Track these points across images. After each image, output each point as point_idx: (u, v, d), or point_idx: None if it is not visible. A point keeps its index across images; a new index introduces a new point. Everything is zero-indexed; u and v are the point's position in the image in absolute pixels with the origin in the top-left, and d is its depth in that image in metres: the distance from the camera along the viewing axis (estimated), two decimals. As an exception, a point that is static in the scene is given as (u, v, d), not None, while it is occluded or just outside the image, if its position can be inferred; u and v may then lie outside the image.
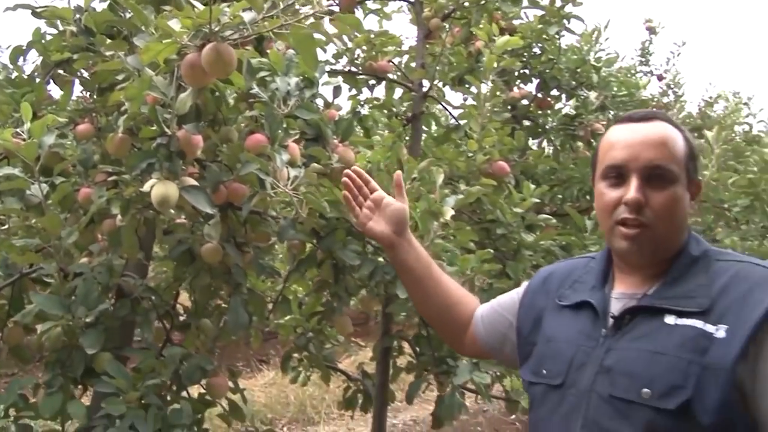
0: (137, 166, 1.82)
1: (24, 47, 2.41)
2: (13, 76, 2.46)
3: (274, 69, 2.07)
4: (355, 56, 3.56)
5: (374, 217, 1.56)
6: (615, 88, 4.53)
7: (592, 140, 4.22)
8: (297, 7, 1.60)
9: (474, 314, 1.58)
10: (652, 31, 6.78)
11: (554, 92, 4.48)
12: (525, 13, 4.20)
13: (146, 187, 1.78)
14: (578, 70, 4.39)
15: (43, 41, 2.37)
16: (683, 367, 1.10)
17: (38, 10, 2.30)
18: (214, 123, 2.14)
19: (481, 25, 3.48)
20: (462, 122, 3.71)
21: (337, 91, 2.61)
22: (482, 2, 3.65)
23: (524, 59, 4.30)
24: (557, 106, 4.55)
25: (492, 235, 3.17)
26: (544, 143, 4.64)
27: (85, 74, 2.42)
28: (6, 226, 2.23)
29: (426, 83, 3.64)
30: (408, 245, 1.57)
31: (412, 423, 6.08)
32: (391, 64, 3.65)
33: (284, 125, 2.05)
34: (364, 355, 5.39)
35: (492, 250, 2.78)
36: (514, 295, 1.53)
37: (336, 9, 2.82)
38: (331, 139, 2.31)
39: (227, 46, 1.62)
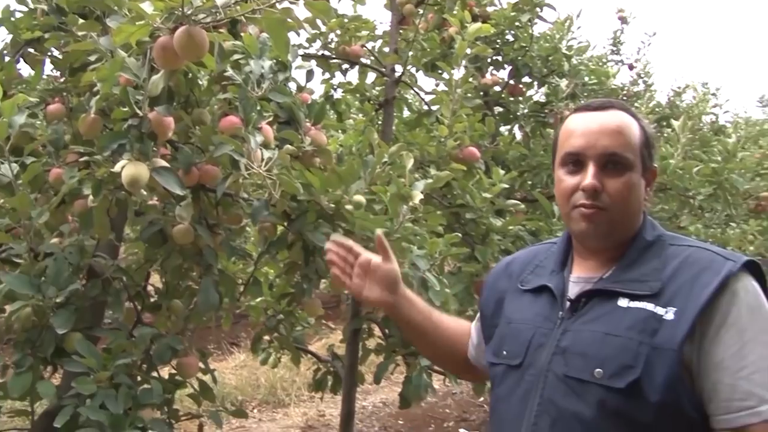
0: (108, 146, 1.82)
1: (-8, 25, 2.39)
2: (-19, 54, 2.43)
3: (248, 52, 2.08)
4: (329, 40, 3.57)
5: (367, 284, 1.52)
6: (586, 77, 4.61)
7: (562, 127, 4.28)
8: (269, -9, 1.61)
9: (469, 344, 1.61)
10: (623, 20, 6.84)
11: (526, 79, 4.54)
12: (498, 0, 4.24)
13: (117, 168, 1.79)
14: (550, 57, 4.45)
15: (12, 19, 2.34)
16: (634, 348, 1.14)
17: (8, -13, 2.28)
18: (186, 105, 2.14)
19: (454, 12, 3.51)
20: (434, 107, 3.74)
21: (310, 74, 2.63)
22: (456, -11, 3.68)
23: (497, 46, 4.35)
24: (528, 93, 4.62)
25: (461, 220, 3.22)
26: (515, 129, 4.69)
27: (57, 53, 2.40)
28: (-25, 206, 2.22)
29: (399, 68, 3.66)
30: (406, 302, 1.55)
31: (381, 405, 6.16)
32: (364, 48, 3.67)
33: (258, 108, 2.06)
34: (334, 338, 5.44)
35: (461, 234, 2.83)
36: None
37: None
38: (303, 122, 2.32)
39: (199, 29, 1.62)
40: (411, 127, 3.84)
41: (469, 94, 3.63)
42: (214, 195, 2.20)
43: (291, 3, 1.56)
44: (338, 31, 3.55)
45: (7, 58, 2.37)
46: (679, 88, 7.15)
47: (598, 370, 1.16)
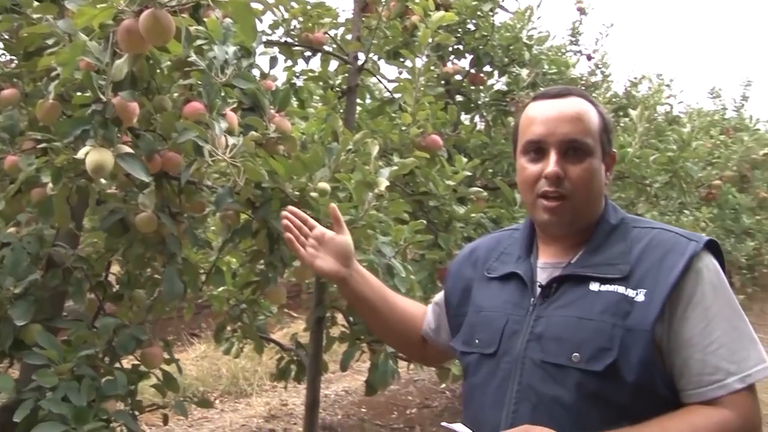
0: (71, 133, 1.77)
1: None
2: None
3: (212, 37, 2.04)
4: (292, 27, 3.53)
5: (320, 255, 1.53)
6: (546, 66, 4.65)
7: (522, 116, 4.32)
8: (235, -25, 1.59)
9: (424, 322, 1.61)
10: (582, 11, 6.94)
11: (487, 68, 4.57)
12: (460, -12, 4.25)
13: (80, 154, 1.75)
14: (511, 47, 4.49)
15: (-38, 1, 2.26)
16: (608, 331, 1.17)
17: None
18: (147, 91, 2.10)
19: (417, 0, 3.51)
20: (396, 96, 3.74)
21: (273, 61, 2.60)
22: (418, -24, 3.67)
23: (458, 35, 4.36)
24: (490, 81, 4.64)
25: (424, 207, 3.24)
26: (477, 118, 4.73)
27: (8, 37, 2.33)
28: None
29: (361, 56, 3.65)
30: (359, 276, 1.56)
31: (344, 393, 6.16)
32: (327, 36, 3.64)
33: (222, 94, 2.03)
34: (296, 327, 5.42)
35: (424, 222, 2.85)
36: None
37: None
38: (268, 109, 2.30)
39: (165, 12, 1.59)
40: (374, 115, 3.84)
41: (431, 83, 3.64)
42: (177, 183, 2.17)
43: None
44: (301, 18, 3.51)
45: (-45, 43, 2.29)
46: (635, 78, 7.31)
47: (575, 354, 1.18)
